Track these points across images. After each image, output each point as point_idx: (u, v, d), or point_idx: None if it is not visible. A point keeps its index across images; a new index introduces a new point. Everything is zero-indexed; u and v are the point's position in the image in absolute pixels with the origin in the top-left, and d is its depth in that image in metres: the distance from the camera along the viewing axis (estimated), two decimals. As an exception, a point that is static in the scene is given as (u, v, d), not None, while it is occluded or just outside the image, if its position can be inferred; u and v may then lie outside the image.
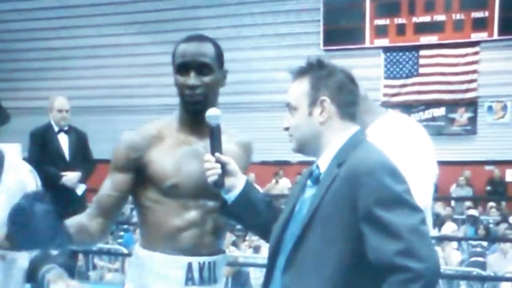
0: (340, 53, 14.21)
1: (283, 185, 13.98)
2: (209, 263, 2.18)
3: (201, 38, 2.19)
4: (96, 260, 8.51)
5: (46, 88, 13.62)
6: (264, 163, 14.74)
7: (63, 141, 5.74)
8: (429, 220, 2.44)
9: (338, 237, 1.77)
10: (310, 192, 1.90)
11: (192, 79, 2.10)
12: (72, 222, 2.08)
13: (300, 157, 2.05)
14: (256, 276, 7.27)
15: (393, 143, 2.21)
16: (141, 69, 15.43)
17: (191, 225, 2.15)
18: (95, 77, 16.03)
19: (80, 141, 5.79)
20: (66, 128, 5.78)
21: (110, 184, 2.17)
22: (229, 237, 8.31)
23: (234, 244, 8.81)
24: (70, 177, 5.61)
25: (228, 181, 2.01)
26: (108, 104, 15.74)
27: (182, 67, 2.12)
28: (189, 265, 2.14)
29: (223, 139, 2.07)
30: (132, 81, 15.60)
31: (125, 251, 8.11)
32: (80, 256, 8.38)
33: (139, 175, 2.15)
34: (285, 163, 13.69)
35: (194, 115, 2.14)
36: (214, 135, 2.02)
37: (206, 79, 2.12)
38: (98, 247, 8.63)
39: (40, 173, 6.02)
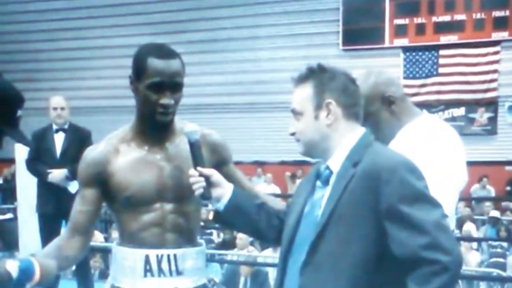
0: (359, 53, 14.19)
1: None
2: (168, 255, 2.23)
3: (173, 55, 2.19)
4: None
5: (60, 88, 13.68)
6: (283, 163, 14.76)
7: (58, 139, 5.79)
8: (452, 224, 2.42)
9: (358, 237, 1.79)
10: (320, 193, 1.93)
11: (167, 98, 2.14)
12: (48, 253, 2.17)
13: (317, 158, 2.06)
14: (275, 276, 7.26)
15: (423, 145, 2.23)
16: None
17: (150, 225, 2.24)
18: (110, 78, 16.12)
19: (78, 139, 5.80)
20: (66, 127, 5.82)
21: (80, 200, 2.28)
22: (246, 237, 8.31)
23: (252, 244, 8.81)
24: (54, 175, 5.65)
25: (215, 192, 2.08)
26: (121, 104, 15.81)
27: (157, 85, 2.13)
28: (147, 257, 2.22)
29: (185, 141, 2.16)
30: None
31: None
32: (98, 257, 8.44)
33: (103, 188, 2.25)
34: (304, 163, 13.65)
35: (157, 128, 2.21)
36: (195, 150, 2.11)
37: (177, 96, 2.18)
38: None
39: (31, 171, 6.10)
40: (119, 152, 2.25)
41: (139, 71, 2.17)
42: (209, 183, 2.07)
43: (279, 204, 2.39)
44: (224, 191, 2.09)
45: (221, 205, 2.09)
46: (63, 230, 2.29)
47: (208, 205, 2.32)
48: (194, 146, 2.11)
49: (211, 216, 2.17)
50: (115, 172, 2.22)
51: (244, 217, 2.11)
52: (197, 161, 2.10)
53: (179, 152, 2.24)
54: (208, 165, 2.17)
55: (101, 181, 2.24)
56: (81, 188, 2.29)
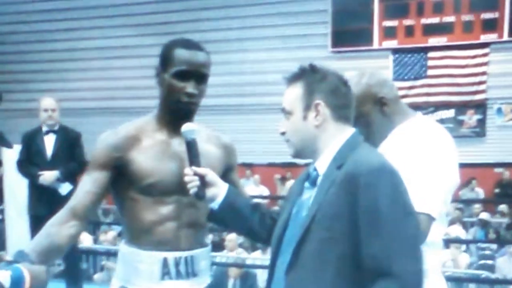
0: (348, 54, 14.20)
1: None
2: (186, 257, 2.25)
3: (200, 47, 2.25)
4: (104, 262, 8.51)
5: (51, 90, 13.58)
6: (271, 165, 14.74)
7: (49, 141, 5.79)
8: (443, 226, 2.41)
9: (339, 238, 1.79)
10: (308, 194, 1.93)
11: (191, 87, 2.18)
12: (39, 243, 2.09)
13: (307, 159, 2.06)
14: (264, 278, 7.25)
15: (414, 146, 2.23)
16: (148, 70, 15.44)
17: (166, 219, 2.23)
18: (100, 79, 16.07)
19: (68, 140, 5.79)
20: (56, 128, 5.80)
21: (90, 181, 2.22)
22: (236, 238, 8.30)
23: (242, 246, 8.79)
24: (45, 177, 5.64)
25: (209, 191, 2.09)
26: (113, 105, 15.76)
27: (183, 74, 2.18)
28: (165, 260, 2.22)
29: (203, 140, 2.22)
30: (139, 82, 15.61)
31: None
32: (86, 258, 8.40)
33: (118, 174, 2.22)
34: (293, 165, 13.64)
35: (181, 119, 2.20)
36: (191, 149, 2.13)
37: (201, 88, 2.23)
38: (106, 249, 8.66)
39: (22, 173, 6.10)
40: (140, 140, 2.25)
41: (165, 61, 2.22)
42: (204, 182, 2.08)
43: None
44: (219, 190, 2.10)
45: (215, 204, 2.10)
46: (60, 213, 2.20)
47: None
48: (190, 145, 2.12)
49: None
50: (136, 159, 2.21)
51: (238, 216, 2.13)
52: (193, 160, 2.11)
53: (205, 152, 2.24)
54: (222, 167, 2.25)
55: (118, 166, 2.22)
56: (93, 170, 2.23)
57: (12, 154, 5.99)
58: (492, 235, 9.80)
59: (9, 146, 1.86)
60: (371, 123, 2.34)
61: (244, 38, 15.10)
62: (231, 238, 8.21)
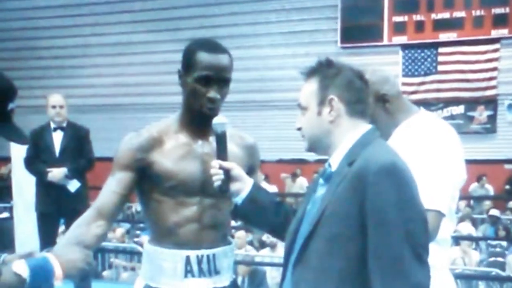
0: (357, 50, 14.15)
1: (300, 183, 13.92)
2: (208, 255, 2.28)
3: (223, 50, 2.25)
4: (112, 259, 8.51)
5: (58, 86, 13.64)
6: (281, 161, 14.72)
7: (57, 138, 5.78)
8: (452, 223, 2.39)
9: (346, 236, 1.78)
10: (321, 190, 1.92)
11: (214, 92, 2.19)
12: (66, 244, 2.10)
13: (317, 156, 2.07)
14: (272, 275, 7.24)
15: (419, 143, 2.22)
16: (156, 67, 15.45)
17: (188, 220, 2.26)
18: (109, 76, 16.09)
19: (76, 137, 5.79)
20: (64, 125, 5.80)
21: (115, 182, 2.25)
22: (245, 236, 8.28)
23: (251, 243, 8.78)
24: (54, 174, 5.63)
25: (233, 186, 2.10)
26: (122, 102, 15.77)
27: (206, 79, 2.19)
28: (187, 258, 2.26)
29: (227, 139, 2.17)
30: (147, 79, 15.64)
31: (141, 250, 8.10)
32: (95, 255, 8.41)
33: (141, 175, 2.26)
34: (302, 162, 13.62)
35: (204, 122, 2.23)
36: (220, 142, 2.12)
37: (224, 92, 2.24)
38: (114, 246, 8.66)
39: (30, 170, 6.08)
40: (163, 141, 2.27)
41: (188, 64, 2.22)
42: (229, 177, 2.09)
43: None
44: (244, 185, 2.11)
45: (239, 199, 2.11)
46: (86, 213, 2.23)
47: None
48: (219, 138, 2.12)
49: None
50: (159, 160, 2.24)
51: (261, 213, 2.13)
52: (220, 153, 2.11)
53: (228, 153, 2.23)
54: (244, 168, 2.21)
55: (142, 168, 2.25)
56: (118, 171, 2.26)
57: (20, 152, 5.98)
58: (502, 232, 9.73)
59: (22, 142, 1.85)
60: (374, 121, 2.32)
61: (252, 34, 15.09)
62: (240, 235, 8.19)
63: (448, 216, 2.22)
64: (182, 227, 2.26)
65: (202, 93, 2.19)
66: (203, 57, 2.19)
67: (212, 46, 2.24)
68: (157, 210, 2.28)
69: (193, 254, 2.26)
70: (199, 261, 2.27)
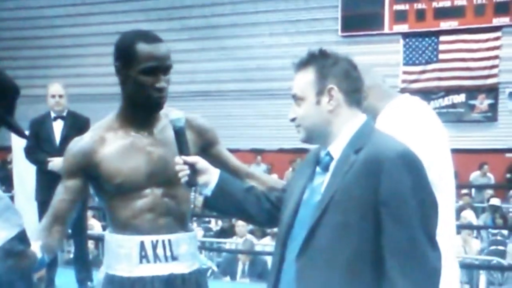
0: (358, 39, 14.12)
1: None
2: (163, 241, 2.27)
3: (159, 39, 2.25)
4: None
5: (61, 75, 13.63)
6: (281, 150, 14.72)
7: (57, 127, 5.77)
8: (450, 208, 2.43)
9: (353, 224, 1.78)
10: (320, 179, 1.92)
11: (162, 82, 2.19)
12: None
13: (317, 144, 2.04)
14: (271, 262, 7.25)
15: (393, 127, 2.21)
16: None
17: (142, 211, 2.27)
18: (104, 65, 16.01)
19: (77, 126, 5.77)
20: (64, 114, 5.79)
21: (62, 189, 2.30)
22: (245, 225, 8.29)
23: (252, 232, 8.79)
24: (55, 163, 5.62)
25: (200, 179, 2.09)
26: (119, 91, 15.74)
27: (151, 70, 2.17)
28: (142, 244, 2.25)
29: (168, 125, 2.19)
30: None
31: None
32: (96, 245, 8.42)
33: (89, 177, 2.29)
34: (303, 151, 13.60)
35: (151, 113, 2.27)
36: (179, 137, 2.12)
37: (168, 79, 2.23)
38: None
39: (30, 160, 6.06)
40: (105, 140, 2.28)
41: (128, 57, 2.20)
42: (195, 170, 2.08)
43: (279, 183, 2.42)
44: (210, 177, 2.10)
45: (208, 191, 2.10)
46: (44, 220, 2.30)
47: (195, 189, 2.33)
48: (179, 134, 2.11)
49: (200, 203, 2.20)
50: (103, 160, 2.25)
51: (232, 201, 2.13)
52: (182, 148, 2.10)
53: (165, 137, 2.26)
54: (195, 149, 2.24)
55: (88, 172, 2.27)
56: (65, 179, 2.31)
57: (21, 141, 5.97)
58: (499, 220, 9.75)
59: (22, 135, 1.85)
60: None
61: (253, 23, 15.04)
62: (241, 223, 8.21)
63: (446, 199, 2.26)
64: (137, 218, 2.27)
65: (149, 84, 2.18)
66: (144, 48, 2.18)
67: (149, 36, 2.23)
68: (111, 205, 2.31)
69: (147, 239, 2.25)
70: (154, 246, 2.26)
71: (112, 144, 2.28)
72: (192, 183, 2.09)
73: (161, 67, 2.18)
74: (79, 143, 2.30)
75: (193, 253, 2.37)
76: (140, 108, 2.25)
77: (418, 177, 1.80)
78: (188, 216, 2.43)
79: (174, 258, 2.29)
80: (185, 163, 2.07)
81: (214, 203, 2.13)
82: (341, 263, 1.79)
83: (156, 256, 2.26)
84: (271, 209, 2.11)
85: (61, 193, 2.30)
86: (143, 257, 2.25)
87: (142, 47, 2.18)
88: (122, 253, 2.28)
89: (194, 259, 2.38)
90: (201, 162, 2.10)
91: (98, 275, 2.41)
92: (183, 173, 2.08)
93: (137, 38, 2.21)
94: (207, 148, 2.37)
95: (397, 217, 1.75)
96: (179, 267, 2.30)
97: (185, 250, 2.32)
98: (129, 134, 2.29)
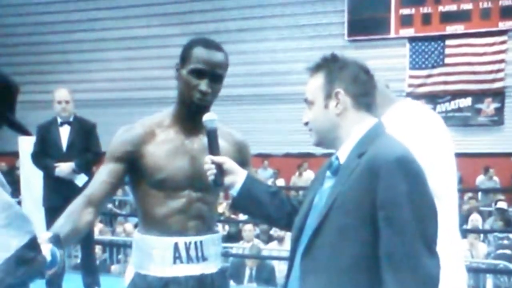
0: (364, 43, 14.13)
1: (307, 177, 13.93)
2: (196, 242, 2.37)
3: (219, 48, 2.34)
4: (121, 255, 8.53)
5: (70, 81, 13.68)
6: (288, 155, 14.73)
7: (64, 132, 5.79)
8: (453, 210, 2.43)
9: (356, 227, 1.79)
10: (329, 183, 1.94)
11: (205, 85, 2.28)
12: (61, 225, 2.20)
13: (324, 149, 2.08)
14: (280, 269, 7.25)
15: (394, 132, 2.19)
16: (167, 61, 15.46)
17: (175, 212, 2.35)
18: (122, 70, 16.09)
19: (83, 131, 5.79)
20: (70, 120, 5.81)
21: (106, 171, 2.35)
22: (253, 229, 8.29)
23: (258, 237, 8.79)
24: (62, 168, 5.65)
25: (227, 179, 2.16)
26: (132, 96, 15.78)
27: (199, 72, 2.28)
28: (176, 245, 2.35)
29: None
30: (158, 73, 15.63)
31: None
32: (103, 250, 8.43)
33: (132, 167, 2.35)
34: (309, 155, 13.62)
35: (194, 116, 2.33)
36: (211, 138, 2.20)
37: (216, 87, 2.33)
38: (123, 241, 8.69)
39: (37, 165, 6.08)
40: (155, 135, 2.36)
41: (184, 58, 2.32)
42: (222, 171, 2.15)
43: None
44: (237, 178, 2.16)
45: (234, 191, 2.16)
46: (76, 200, 2.34)
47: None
48: (210, 134, 2.19)
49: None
50: (150, 154, 2.34)
51: (256, 203, 2.18)
52: (212, 148, 2.18)
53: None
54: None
55: (133, 160, 2.34)
56: (110, 162, 2.36)
57: (28, 147, 6.00)
58: (499, 223, 9.72)
59: (29, 134, 1.89)
60: None
61: (260, 27, 15.08)
62: (248, 228, 8.21)
63: (448, 201, 2.27)
64: (170, 218, 2.35)
65: (194, 85, 2.27)
66: (199, 51, 2.29)
67: (210, 43, 2.34)
68: (146, 201, 2.37)
69: (181, 241, 2.34)
70: (187, 248, 2.35)
71: (161, 140, 2.36)
72: (218, 182, 2.15)
73: (209, 72, 2.27)
74: (130, 132, 2.37)
75: (218, 254, 2.49)
76: (186, 109, 2.34)
77: (415, 181, 1.77)
78: (215, 220, 2.54)
79: (204, 258, 2.39)
80: (213, 162, 2.14)
81: (240, 204, 2.20)
82: (340, 267, 1.80)
83: (189, 257, 2.36)
84: (292, 213, 2.14)
85: (104, 174, 2.35)
86: (176, 257, 2.35)
87: (198, 50, 2.29)
88: (155, 254, 2.36)
89: (219, 259, 2.51)
90: (228, 163, 2.16)
91: (126, 275, 2.49)
92: (211, 172, 2.15)
93: (198, 43, 2.32)
94: (240, 165, 2.41)
95: (392, 222, 1.74)
96: (209, 267, 2.41)
97: (213, 251, 2.44)
98: (179, 134, 2.38)
